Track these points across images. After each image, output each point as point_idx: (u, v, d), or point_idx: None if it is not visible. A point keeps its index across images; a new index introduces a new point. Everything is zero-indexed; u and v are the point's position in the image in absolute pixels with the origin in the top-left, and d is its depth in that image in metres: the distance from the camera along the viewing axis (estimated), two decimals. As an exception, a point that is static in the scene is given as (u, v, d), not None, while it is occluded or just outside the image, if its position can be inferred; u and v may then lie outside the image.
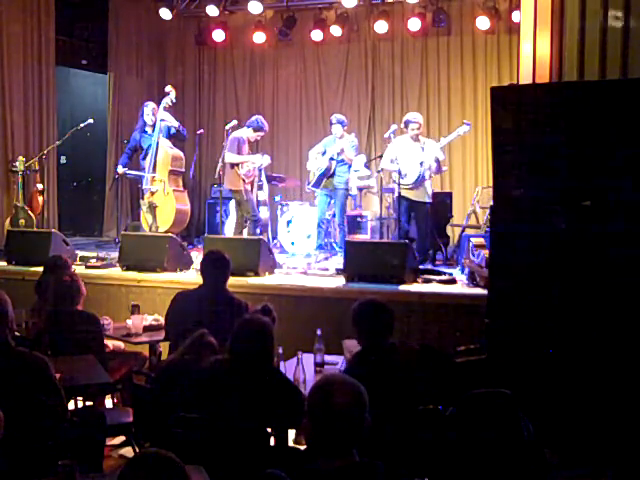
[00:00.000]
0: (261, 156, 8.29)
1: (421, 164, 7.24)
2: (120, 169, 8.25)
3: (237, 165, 7.95)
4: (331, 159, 8.05)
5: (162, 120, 8.13)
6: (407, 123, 7.39)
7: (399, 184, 7.20)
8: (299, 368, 3.75)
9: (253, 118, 8.26)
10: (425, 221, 7.47)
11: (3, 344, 3.37)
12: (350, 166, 8.24)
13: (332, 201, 8.39)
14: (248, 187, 8.11)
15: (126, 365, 4.79)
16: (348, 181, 8.33)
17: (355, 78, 10.78)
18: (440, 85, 10.32)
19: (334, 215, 8.37)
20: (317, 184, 8.27)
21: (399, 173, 7.20)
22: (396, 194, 7.21)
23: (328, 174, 8.13)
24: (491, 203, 4.58)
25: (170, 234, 7.15)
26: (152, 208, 7.99)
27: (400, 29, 10.23)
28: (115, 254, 7.07)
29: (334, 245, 8.28)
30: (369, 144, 10.64)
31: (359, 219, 8.67)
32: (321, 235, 8.39)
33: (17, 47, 8.86)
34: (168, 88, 8.28)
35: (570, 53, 5.01)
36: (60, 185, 9.64)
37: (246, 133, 8.14)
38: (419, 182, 7.29)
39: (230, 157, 7.94)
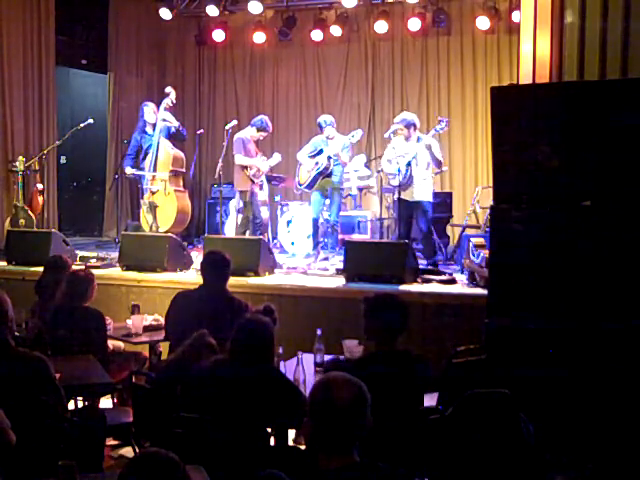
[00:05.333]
0: (262, 159, 8.18)
1: (409, 163, 7.07)
2: (129, 170, 8.22)
3: (246, 167, 7.94)
4: (329, 158, 7.98)
5: (163, 120, 8.14)
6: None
7: (395, 185, 7.15)
8: (299, 368, 3.74)
9: (258, 117, 8.19)
10: (424, 220, 7.21)
11: (3, 344, 3.37)
12: (344, 166, 8.17)
13: (327, 200, 8.19)
14: (256, 189, 8.08)
15: (127, 367, 4.79)
16: (343, 180, 8.27)
17: (355, 78, 10.78)
18: (440, 85, 10.32)
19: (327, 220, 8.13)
20: (311, 185, 8.06)
21: (391, 174, 7.16)
22: (396, 196, 7.16)
23: (326, 173, 7.99)
24: (491, 203, 4.57)
25: (170, 234, 7.16)
26: (152, 208, 8.00)
27: (400, 29, 10.24)
28: (115, 254, 7.07)
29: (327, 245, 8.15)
30: (369, 144, 10.63)
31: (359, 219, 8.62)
32: (317, 234, 8.29)
33: (17, 47, 8.85)
34: (168, 89, 8.29)
35: (570, 53, 5.02)
36: (60, 185, 9.63)
37: (249, 132, 8.08)
38: (408, 181, 7.06)
39: (239, 159, 7.93)
